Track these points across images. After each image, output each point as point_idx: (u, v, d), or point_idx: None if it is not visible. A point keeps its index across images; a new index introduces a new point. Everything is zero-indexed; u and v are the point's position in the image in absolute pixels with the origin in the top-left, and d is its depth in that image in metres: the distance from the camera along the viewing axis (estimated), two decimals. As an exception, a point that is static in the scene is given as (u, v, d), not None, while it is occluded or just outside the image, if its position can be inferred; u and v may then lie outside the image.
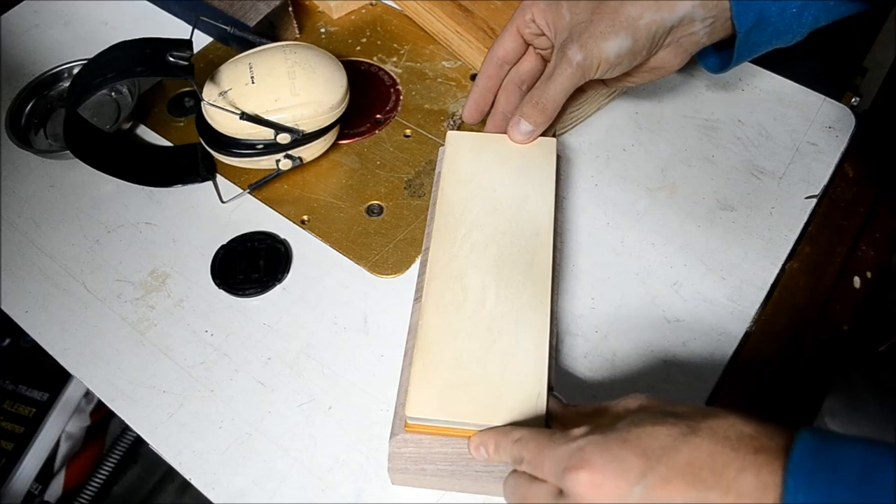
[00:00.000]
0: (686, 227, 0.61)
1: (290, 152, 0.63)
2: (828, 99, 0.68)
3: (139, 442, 0.99)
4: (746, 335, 0.55)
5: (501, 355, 0.46)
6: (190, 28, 0.61)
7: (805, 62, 0.69)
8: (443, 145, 0.59)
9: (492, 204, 0.54)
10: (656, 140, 0.66)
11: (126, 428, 0.99)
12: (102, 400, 0.55)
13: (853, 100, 0.69)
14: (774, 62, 0.70)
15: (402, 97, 0.71)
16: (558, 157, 0.59)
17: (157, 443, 0.52)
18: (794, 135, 0.66)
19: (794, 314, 0.57)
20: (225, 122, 0.61)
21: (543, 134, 0.58)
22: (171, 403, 0.54)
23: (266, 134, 0.61)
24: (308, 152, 0.64)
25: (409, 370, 0.47)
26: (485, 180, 0.56)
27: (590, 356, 0.54)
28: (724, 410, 0.37)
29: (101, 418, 0.97)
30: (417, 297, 0.53)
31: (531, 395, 0.45)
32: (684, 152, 0.65)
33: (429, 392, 0.45)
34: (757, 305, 0.56)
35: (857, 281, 0.58)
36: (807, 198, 0.62)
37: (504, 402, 0.45)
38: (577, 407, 0.44)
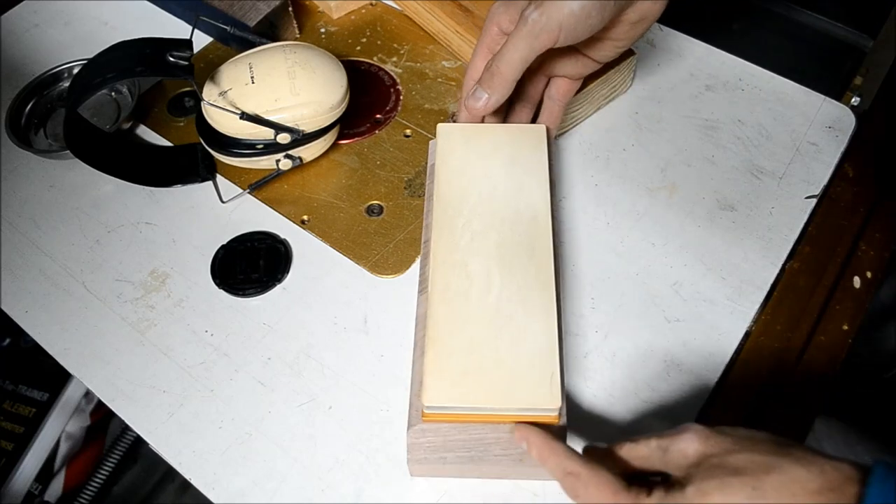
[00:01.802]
0: (686, 227, 0.61)
1: (290, 152, 0.63)
2: (828, 99, 0.68)
3: (139, 442, 0.99)
4: (746, 335, 0.55)
5: (512, 338, 0.47)
6: (190, 28, 0.61)
7: (805, 62, 0.69)
8: (434, 138, 0.59)
9: (488, 192, 0.54)
10: (656, 140, 0.66)
11: (126, 428, 0.99)
12: (102, 400, 0.55)
13: (853, 100, 0.69)
14: (775, 62, 0.70)
15: (402, 97, 0.71)
16: (557, 152, 0.59)
17: (157, 443, 0.52)
18: (794, 135, 0.66)
19: (794, 314, 0.57)
20: (225, 122, 0.61)
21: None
22: (171, 403, 0.54)
23: (266, 134, 0.61)
24: (308, 152, 0.64)
25: (422, 360, 0.47)
26: (479, 170, 0.56)
27: (590, 356, 0.54)
28: (786, 457, 0.36)
29: (101, 418, 0.96)
30: (422, 289, 0.53)
31: (545, 375, 0.45)
32: (684, 152, 0.65)
33: (444, 380, 0.45)
34: (757, 305, 0.56)
35: (857, 281, 0.58)
36: (807, 198, 0.62)
37: (519, 384, 0.45)
38: (623, 446, 0.43)
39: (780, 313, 0.57)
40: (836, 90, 0.68)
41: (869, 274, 0.59)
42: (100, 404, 0.94)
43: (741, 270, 0.58)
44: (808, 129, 0.66)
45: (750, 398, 0.53)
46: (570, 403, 0.52)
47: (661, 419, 0.51)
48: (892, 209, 0.62)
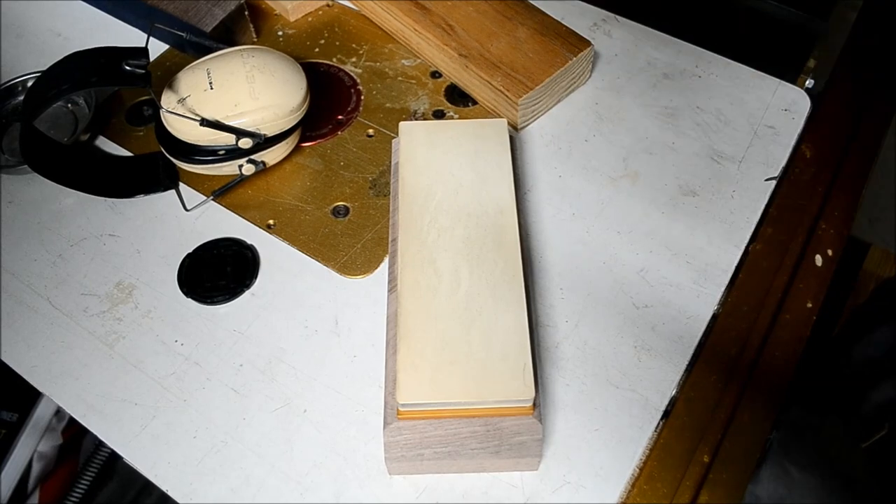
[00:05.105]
0: (650, 214, 0.61)
1: (252, 157, 0.62)
2: (783, 82, 0.69)
3: (114, 457, 0.98)
4: (714, 317, 0.56)
5: (483, 332, 0.47)
6: (145, 36, 0.60)
7: (759, 47, 0.70)
8: (396, 137, 0.60)
9: (453, 188, 0.55)
10: (617, 130, 0.67)
11: (100, 444, 0.98)
12: (73, 416, 0.54)
13: (807, 82, 0.70)
14: (730, 48, 0.71)
15: (363, 97, 0.71)
16: (519, 145, 0.59)
17: (132, 456, 0.52)
18: (752, 119, 0.67)
19: (759, 294, 0.58)
20: (185, 130, 0.60)
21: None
22: (144, 416, 0.53)
23: (227, 139, 0.60)
24: (271, 156, 0.64)
25: (395, 358, 0.47)
26: (443, 166, 0.56)
27: (562, 346, 0.55)
28: None
29: (74, 435, 0.95)
30: (392, 288, 0.53)
31: (517, 367, 0.45)
32: (645, 140, 0.66)
33: (417, 377, 0.46)
34: (723, 288, 0.57)
35: (818, 259, 0.59)
36: (766, 180, 0.63)
37: (492, 378, 0.45)
38: None
39: (746, 294, 0.58)
40: (790, 73, 0.69)
41: (830, 252, 0.60)
42: (72, 421, 0.93)
43: (706, 254, 0.59)
44: (764, 113, 0.67)
45: (721, 379, 0.54)
46: (544, 393, 0.52)
47: (635, 405, 0.52)
48: (849, 187, 0.63)
